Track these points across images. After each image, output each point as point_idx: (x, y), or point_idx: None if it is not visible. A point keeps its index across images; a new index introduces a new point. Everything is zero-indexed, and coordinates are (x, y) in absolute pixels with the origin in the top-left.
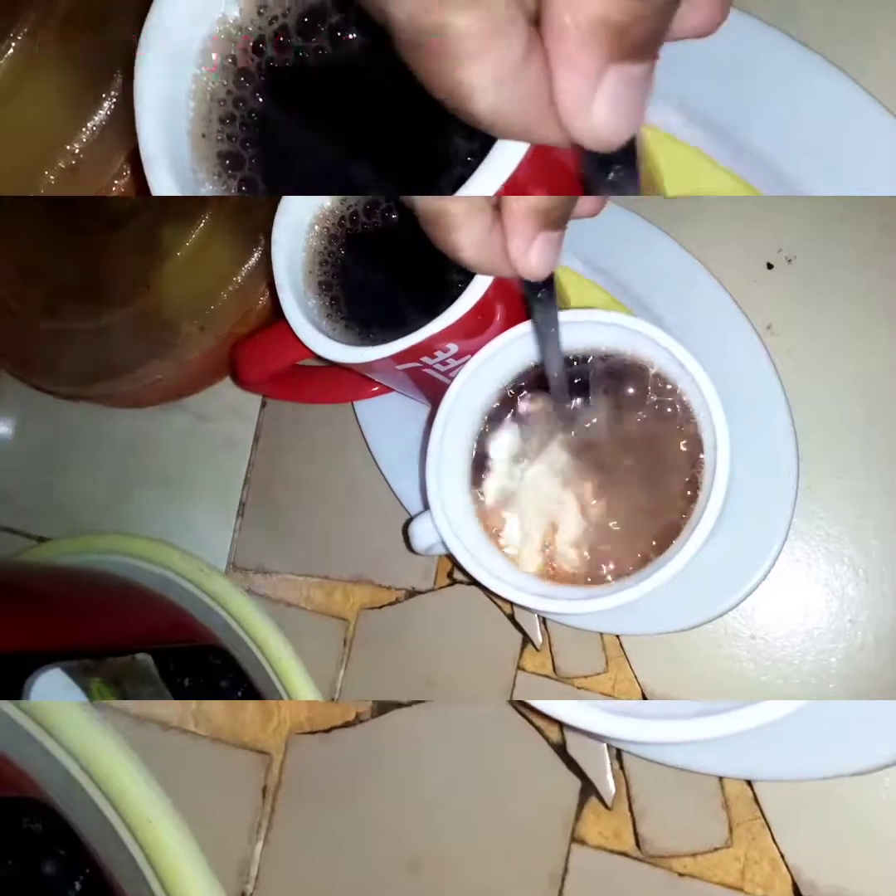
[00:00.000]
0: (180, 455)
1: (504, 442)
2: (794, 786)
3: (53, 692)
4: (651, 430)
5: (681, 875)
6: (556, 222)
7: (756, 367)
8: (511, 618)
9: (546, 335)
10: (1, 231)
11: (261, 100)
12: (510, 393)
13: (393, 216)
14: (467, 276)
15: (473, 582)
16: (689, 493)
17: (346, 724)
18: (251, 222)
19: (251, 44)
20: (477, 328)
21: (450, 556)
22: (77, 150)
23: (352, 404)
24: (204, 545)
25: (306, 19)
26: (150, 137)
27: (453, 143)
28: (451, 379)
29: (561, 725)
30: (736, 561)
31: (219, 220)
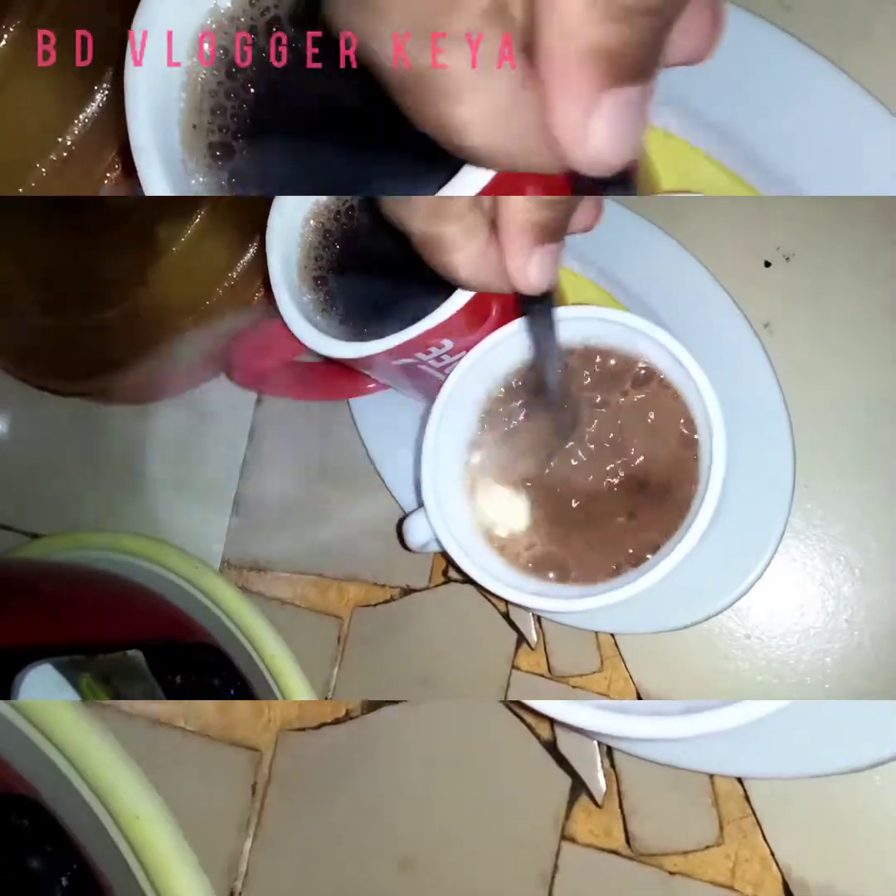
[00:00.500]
0: (175, 451)
1: (499, 439)
2: (785, 784)
3: (43, 688)
4: (646, 428)
5: (671, 873)
6: (553, 235)
7: (753, 364)
8: (506, 616)
9: (544, 345)
10: None
11: (252, 91)
12: (505, 390)
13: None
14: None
15: (468, 580)
16: (684, 490)
17: (337, 721)
18: (246, 218)
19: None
20: (472, 324)
21: (444, 554)
22: (69, 143)
23: (347, 401)
24: (198, 542)
25: (298, 10)
26: (141, 128)
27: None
28: (447, 375)
29: (552, 723)
30: (731, 559)
31: (214, 217)
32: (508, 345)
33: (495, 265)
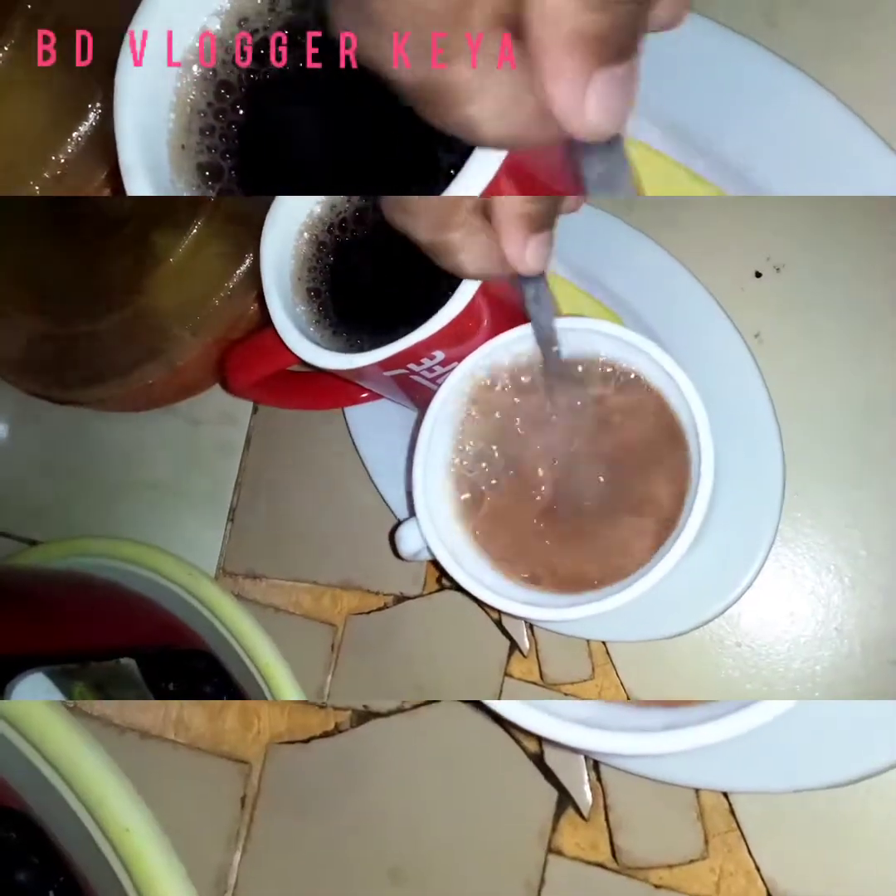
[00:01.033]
0: (171, 459)
1: (490, 448)
2: (770, 798)
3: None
4: (636, 438)
5: (657, 887)
6: (544, 224)
7: (743, 374)
8: (499, 624)
9: (543, 330)
10: None
11: (241, 112)
12: (496, 399)
13: (381, 223)
14: (454, 283)
15: (461, 588)
16: (674, 500)
17: (326, 734)
18: (242, 229)
19: (232, 56)
20: (463, 335)
21: (435, 562)
22: (62, 160)
23: (342, 410)
24: (194, 549)
25: (287, 31)
26: (130, 147)
27: (435, 157)
28: (438, 385)
29: (539, 736)
30: (722, 568)
31: (211, 227)
32: (499, 355)
33: (497, 257)
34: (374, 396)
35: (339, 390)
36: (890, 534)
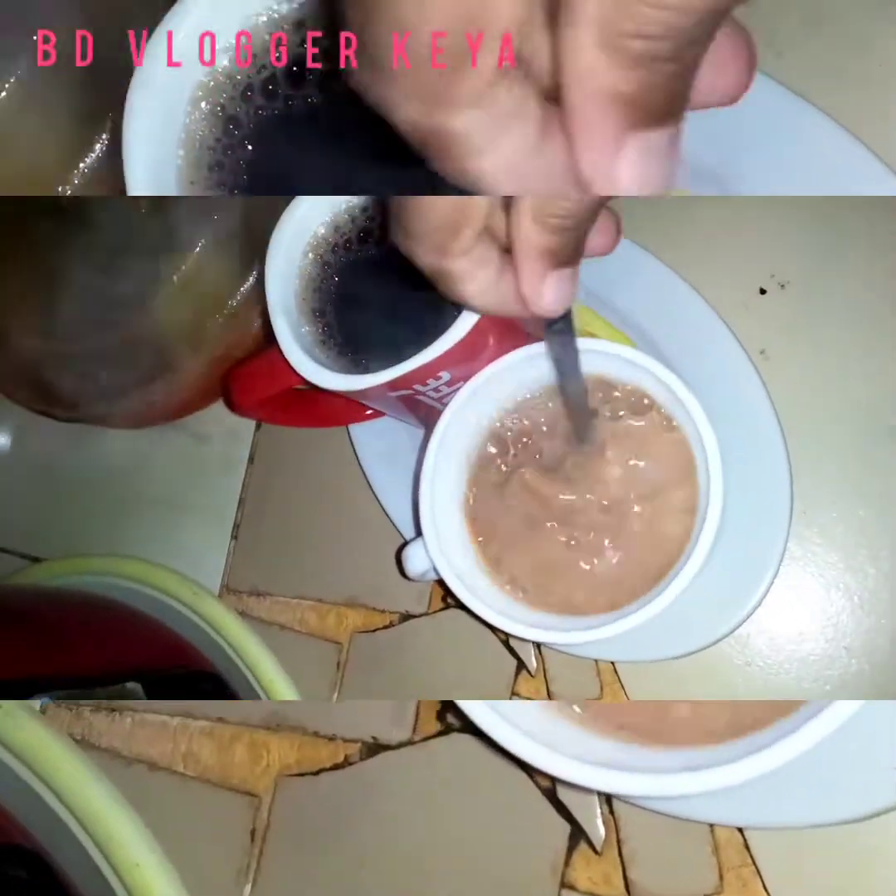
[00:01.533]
0: (175, 476)
1: (497, 469)
2: (785, 832)
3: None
4: (644, 459)
5: None
6: (568, 260)
7: (749, 392)
8: (506, 643)
9: (565, 365)
10: None
11: (250, 147)
12: (504, 420)
13: (386, 244)
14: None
15: (467, 607)
16: (682, 521)
17: (335, 767)
18: (246, 247)
19: (240, 92)
20: (470, 356)
21: (442, 582)
22: (68, 192)
23: (346, 427)
24: (198, 566)
25: (295, 68)
26: (139, 184)
27: (443, 192)
28: (445, 405)
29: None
30: (731, 587)
31: (214, 246)
32: (506, 376)
33: (510, 291)
34: (379, 414)
35: (343, 409)
36: None
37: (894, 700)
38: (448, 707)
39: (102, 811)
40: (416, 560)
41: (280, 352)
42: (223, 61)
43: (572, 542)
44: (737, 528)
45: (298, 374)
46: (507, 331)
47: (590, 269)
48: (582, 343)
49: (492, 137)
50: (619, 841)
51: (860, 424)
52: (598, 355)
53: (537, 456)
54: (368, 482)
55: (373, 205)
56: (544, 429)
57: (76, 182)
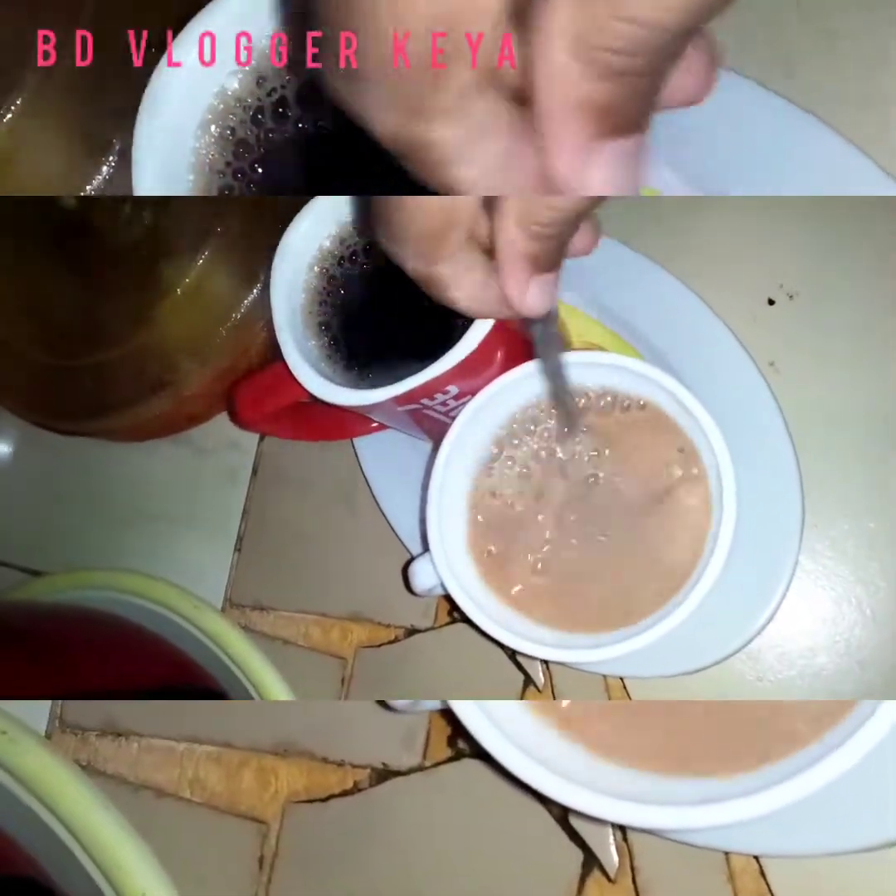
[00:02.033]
0: (177, 489)
1: (505, 484)
2: (802, 861)
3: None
4: (655, 473)
5: None
6: (549, 264)
7: (759, 404)
8: (513, 658)
9: (552, 369)
10: (1, 266)
11: (260, 171)
12: (511, 434)
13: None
14: (468, 318)
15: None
16: (694, 536)
17: (344, 793)
18: (250, 259)
19: (250, 115)
20: (478, 370)
21: (449, 597)
22: (76, 213)
23: (351, 440)
24: (201, 580)
25: (305, 91)
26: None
27: None
28: (452, 419)
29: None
30: (741, 601)
31: (218, 257)
32: (514, 390)
33: (496, 295)
34: (384, 427)
35: (348, 422)
36: None
37: None
38: (458, 733)
39: (109, 839)
40: (422, 575)
41: (285, 365)
42: (232, 84)
43: (580, 559)
44: (747, 542)
45: (304, 389)
46: (515, 344)
47: (599, 279)
48: (582, 356)
49: (467, 147)
50: (633, 869)
51: (871, 436)
52: (606, 368)
53: (545, 470)
54: (373, 495)
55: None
56: (553, 442)
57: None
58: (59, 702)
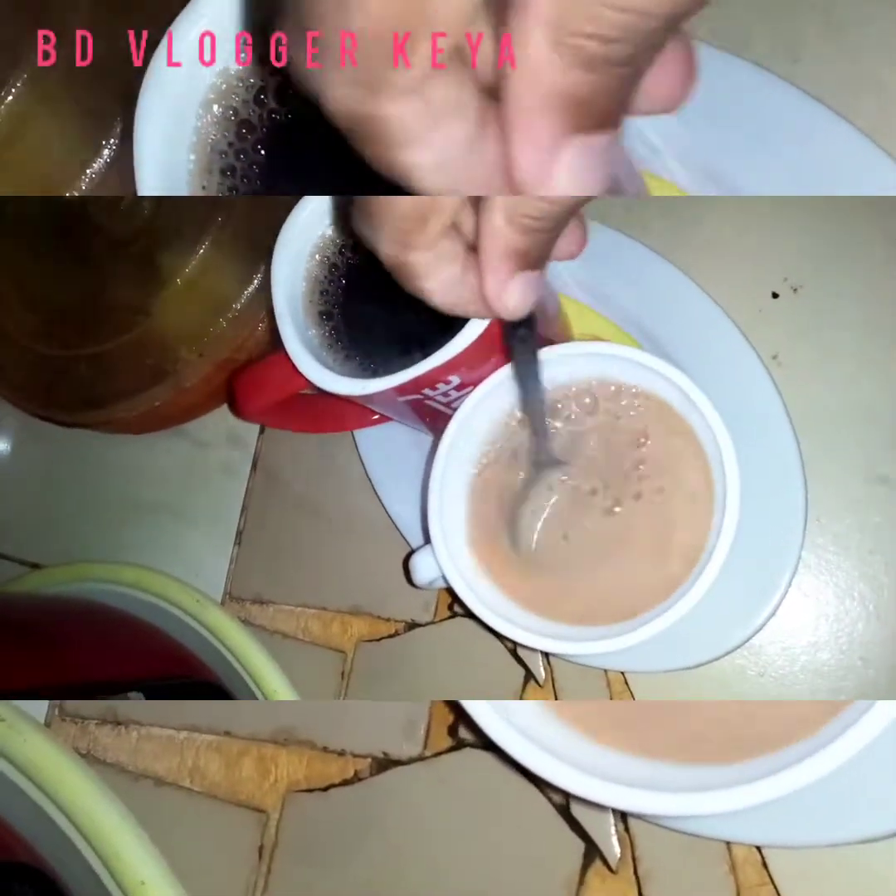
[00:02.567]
0: (177, 482)
1: (507, 476)
2: (805, 851)
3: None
4: (657, 465)
5: None
6: (533, 263)
7: (762, 397)
8: (513, 652)
9: (526, 375)
10: (1, 257)
11: (262, 151)
12: (513, 426)
13: None
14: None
15: (474, 615)
16: (697, 529)
17: (345, 783)
18: (250, 249)
19: (253, 95)
20: (480, 360)
21: (451, 590)
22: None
23: (351, 432)
24: (200, 573)
25: None
26: (150, 189)
27: None
28: (453, 409)
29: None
30: (744, 596)
31: (218, 248)
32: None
33: (473, 291)
34: (385, 418)
35: (349, 413)
36: None
37: None
38: (460, 722)
39: (108, 827)
40: (424, 568)
41: (286, 355)
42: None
43: (583, 551)
44: (750, 537)
45: (305, 379)
46: None
47: (602, 272)
48: (587, 346)
49: (425, 129)
50: (634, 859)
51: (875, 431)
52: (609, 358)
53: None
54: (373, 488)
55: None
56: (556, 433)
57: (84, 186)
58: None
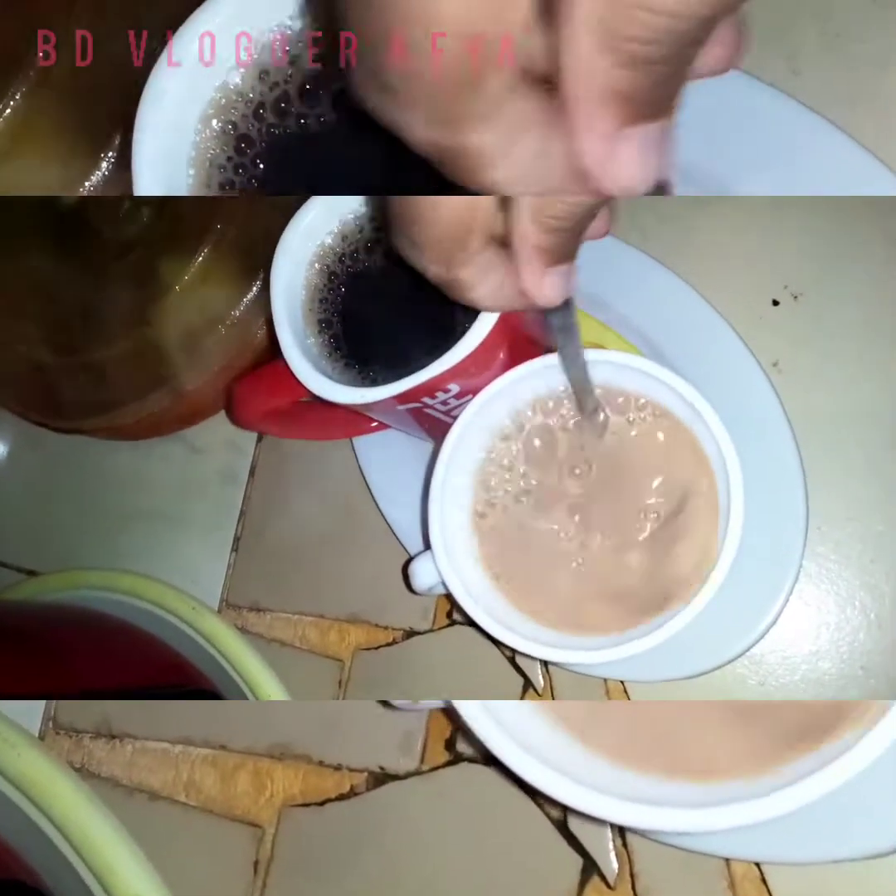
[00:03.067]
0: (174, 488)
1: (507, 482)
2: (804, 867)
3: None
4: (660, 474)
5: None
6: (563, 256)
7: (763, 406)
8: (512, 661)
9: (571, 359)
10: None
11: (261, 166)
12: (514, 433)
13: (395, 254)
14: (470, 315)
15: (473, 623)
16: (699, 538)
17: (341, 797)
18: (249, 257)
19: (252, 110)
20: (480, 369)
21: (450, 597)
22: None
23: (350, 439)
24: (197, 581)
25: (308, 86)
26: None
27: None
28: (453, 418)
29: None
30: (744, 605)
31: (217, 255)
32: (517, 388)
33: (514, 291)
34: (384, 426)
35: (348, 421)
36: None
37: None
38: (457, 736)
39: (102, 842)
40: (423, 574)
41: (285, 364)
42: (235, 78)
43: (583, 559)
44: (751, 545)
45: (304, 387)
46: (518, 343)
47: (603, 279)
48: (596, 354)
49: (504, 149)
50: (632, 875)
51: (876, 438)
52: (612, 366)
53: (547, 470)
54: (372, 496)
55: (381, 215)
56: (556, 440)
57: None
58: (53, 703)
